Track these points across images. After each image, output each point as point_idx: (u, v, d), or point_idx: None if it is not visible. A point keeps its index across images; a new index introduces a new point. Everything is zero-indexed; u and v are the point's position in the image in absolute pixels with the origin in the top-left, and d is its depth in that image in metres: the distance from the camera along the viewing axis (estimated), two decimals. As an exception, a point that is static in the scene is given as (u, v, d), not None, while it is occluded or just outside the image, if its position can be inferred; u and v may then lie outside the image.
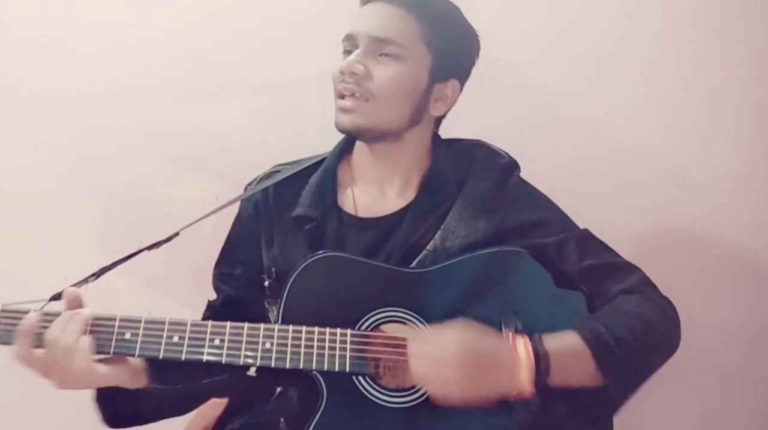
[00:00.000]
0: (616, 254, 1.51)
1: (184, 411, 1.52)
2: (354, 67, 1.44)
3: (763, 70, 1.85)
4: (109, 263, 1.43)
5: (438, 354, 1.27)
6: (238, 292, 1.54)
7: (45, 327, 1.30)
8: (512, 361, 1.27)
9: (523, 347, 1.29)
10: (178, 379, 1.39)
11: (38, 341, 1.29)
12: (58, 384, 1.32)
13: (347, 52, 1.48)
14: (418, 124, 1.52)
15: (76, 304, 1.33)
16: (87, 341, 1.29)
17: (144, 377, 1.36)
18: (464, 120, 1.59)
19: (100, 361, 1.32)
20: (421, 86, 1.49)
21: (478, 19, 1.55)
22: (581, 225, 1.53)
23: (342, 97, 1.46)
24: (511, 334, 1.33)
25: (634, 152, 1.86)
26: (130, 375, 1.35)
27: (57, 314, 1.31)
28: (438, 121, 1.58)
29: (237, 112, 1.90)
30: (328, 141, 1.60)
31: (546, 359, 1.28)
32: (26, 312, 1.32)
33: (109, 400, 1.40)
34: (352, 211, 1.52)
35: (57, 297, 1.38)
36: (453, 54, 1.52)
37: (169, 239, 1.48)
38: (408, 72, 1.46)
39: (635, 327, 1.35)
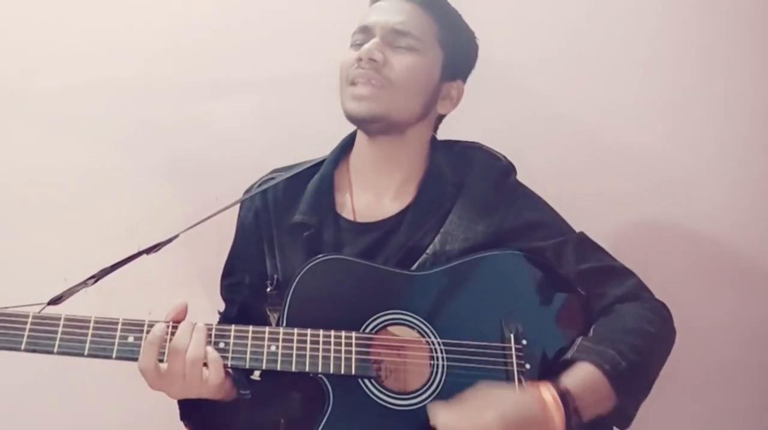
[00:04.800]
0: (612, 258, 1.52)
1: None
2: (374, 54, 1.44)
3: (758, 70, 1.87)
4: (108, 264, 1.42)
5: None
6: (251, 300, 1.53)
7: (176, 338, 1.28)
8: (543, 412, 1.27)
9: (548, 393, 1.29)
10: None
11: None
12: (174, 394, 1.31)
13: (357, 46, 1.49)
14: (423, 120, 1.53)
15: (183, 314, 1.32)
16: (215, 352, 1.28)
17: (232, 386, 1.36)
18: (461, 120, 1.60)
19: None
20: (434, 81, 1.51)
21: (476, 19, 1.56)
22: (577, 224, 1.54)
23: (355, 84, 1.45)
24: (532, 384, 1.32)
25: (631, 152, 1.87)
26: (225, 384, 1.33)
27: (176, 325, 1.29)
28: (437, 122, 1.60)
29: (238, 112, 1.89)
30: (329, 140, 1.60)
31: (572, 400, 1.28)
32: (25, 315, 1.29)
33: (198, 414, 1.39)
34: (350, 216, 1.52)
35: (55, 301, 1.36)
36: (461, 55, 1.55)
37: (168, 241, 1.46)
38: (423, 64, 1.48)
39: (642, 346, 1.37)
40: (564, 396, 1.28)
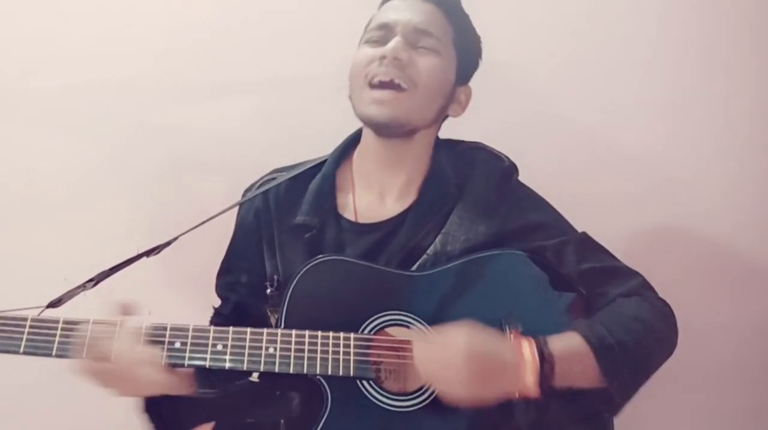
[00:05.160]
0: (614, 258, 1.51)
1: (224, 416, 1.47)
2: (399, 53, 1.42)
3: (758, 70, 1.87)
4: (107, 266, 1.42)
5: (446, 355, 1.26)
6: (247, 298, 1.53)
7: (103, 338, 1.29)
8: (518, 362, 1.28)
9: (528, 348, 1.29)
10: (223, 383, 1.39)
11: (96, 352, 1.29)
12: (122, 393, 1.32)
13: (374, 43, 1.46)
14: (434, 123, 1.52)
15: (130, 312, 1.32)
16: (156, 352, 1.29)
17: (192, 383, 1.36)
18: (462, 120, 1.59)
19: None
20: (450, 84, 1.50)
21: (477, 19, 1.56)
22: (578, 225, 1.54)
23: (375, 86, 1.43)
24: (515, 335, 1.33)
25: (631, 152, 1.87)
26: (180, 382, 1.34)
27: (113, 324, 1.30)
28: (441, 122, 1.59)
29: (238, 112, 1.89)
30: (330, 140, 1.59)
31: (551, 360, 1.28)
32: (24, 318, 1.30)
33: (158, 409, 1.39)
34: (351, 217, 1.51)
35: (54, 304, 1.36)
36: (470, 57, 1.55)
37: (167, 244, 1.47)
38: (443, 67, 1.47)
39: (636, 331, 1.36)
40: (542, 352, 1.28)
